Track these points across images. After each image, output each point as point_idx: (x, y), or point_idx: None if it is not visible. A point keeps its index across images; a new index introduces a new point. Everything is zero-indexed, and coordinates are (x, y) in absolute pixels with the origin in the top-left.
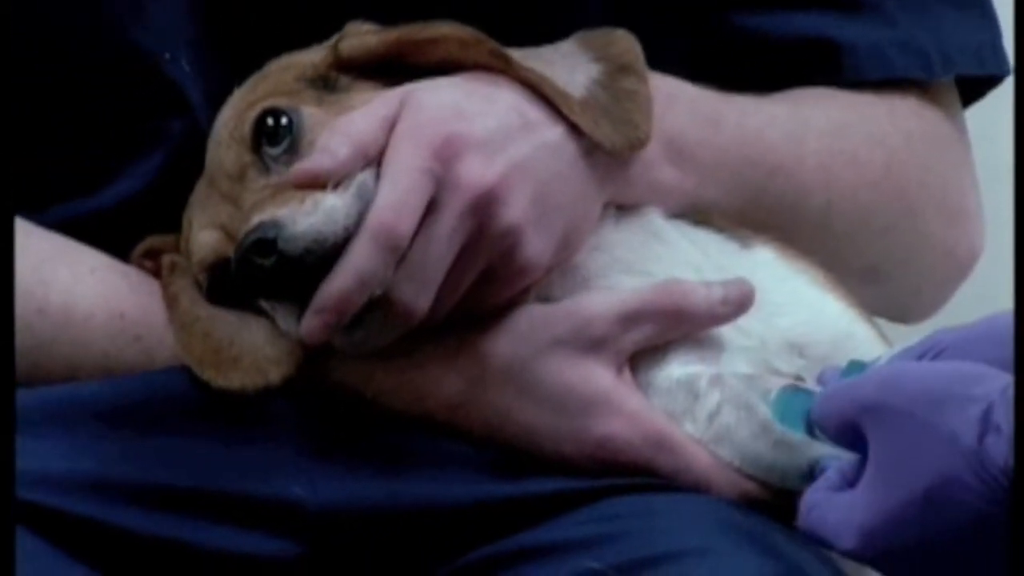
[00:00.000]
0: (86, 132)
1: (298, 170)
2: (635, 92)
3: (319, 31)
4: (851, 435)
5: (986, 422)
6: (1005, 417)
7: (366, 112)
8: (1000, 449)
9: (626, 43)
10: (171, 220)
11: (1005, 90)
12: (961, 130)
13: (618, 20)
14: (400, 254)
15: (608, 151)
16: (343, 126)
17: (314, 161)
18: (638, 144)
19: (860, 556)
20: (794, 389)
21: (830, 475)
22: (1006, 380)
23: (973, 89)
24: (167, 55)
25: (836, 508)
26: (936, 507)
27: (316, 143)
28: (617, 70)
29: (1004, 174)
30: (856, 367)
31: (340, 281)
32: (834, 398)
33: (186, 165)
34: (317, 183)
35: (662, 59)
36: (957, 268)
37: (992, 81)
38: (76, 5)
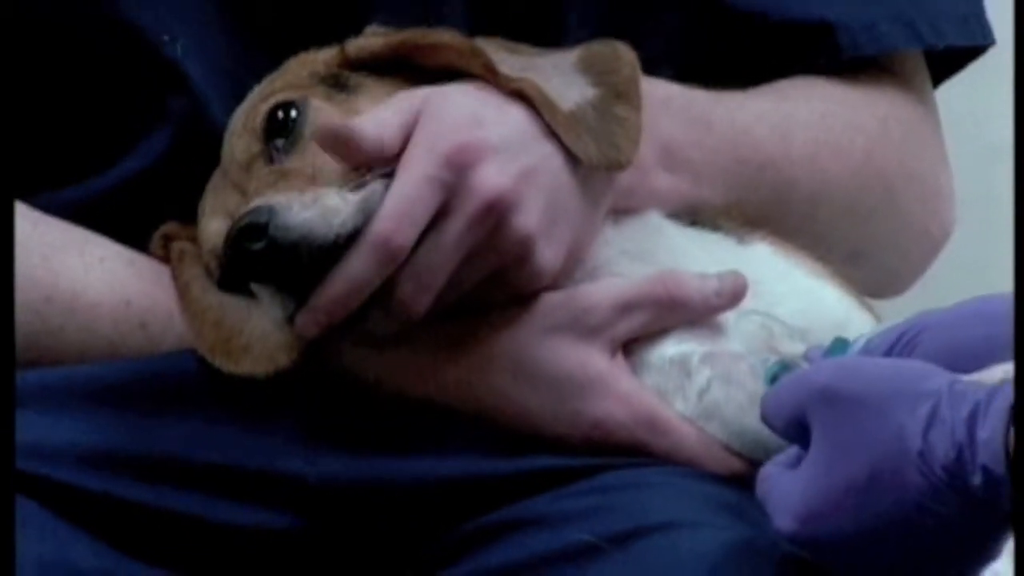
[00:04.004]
0: (91, 112)
1: (324, 127)
2: (625, 119)
3: (321, 11)
4: (799, 429)
5: (932, 417)
6: (949, 410)
7: (386, 113)
8: (943, 441)
9: (628, 70)
10: (179, 198)
11: (1002, 72)
12: (933, 111)
13: (607, 7)
14: (397, 264)
15: (585, 165)
16: (374, 115)
17: (343, 125)
18: (616, 166)
19: (794, 540)
20: (787, 366)
21: (791, 451)
22: (952, 377)
23: (954, 61)
24: (166, 36)
25: (780, 486)
26: (875, 496)
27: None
28: (614, 97)
29: (1004, 156)
30: (840, 344)
31: (334, 287)
32: (783, 391)
33: (191, 144)
34: (338, 146)
35: (652, 45)
36: (932, 246)
37: (974, 52)
38: None
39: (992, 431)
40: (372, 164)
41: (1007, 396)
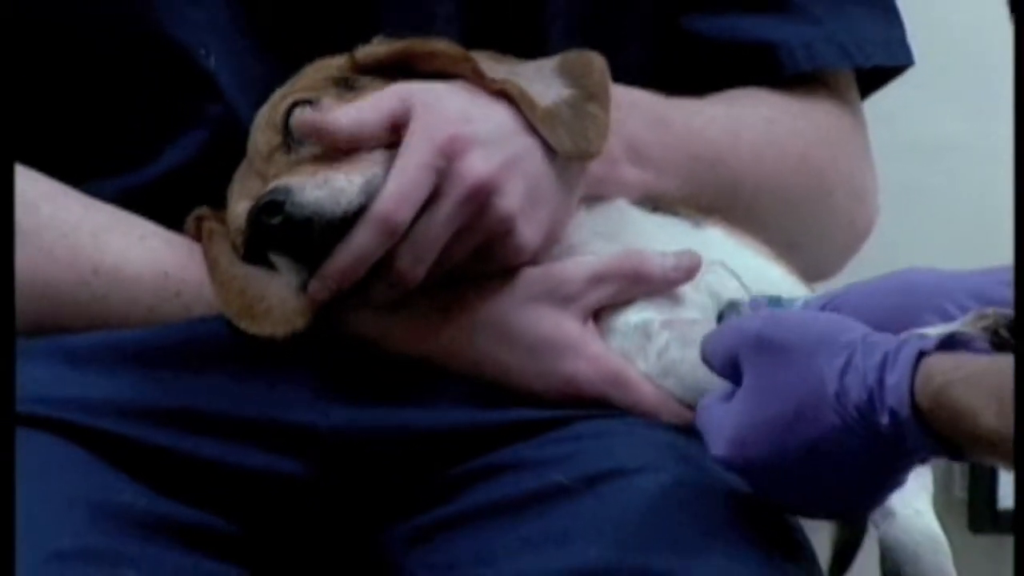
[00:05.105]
0: (135, 113)
1: (302, 118)
2: (596, 117)
3: (337, 28)
4: (733, 369)
5: (848, 364)
6: (862, 358)
7: (371, 104)
8: (856, 385)
9: (599, 76)
10: (211, 190)
11: (922, 77)
12: (861, 120)
13: (584, 25)
14: (396, 239)
15: (560, 154)
16: (349, 107)
17: (316, 117)
18: (587, 156)
19: (725, 463)
20: (735, 306)
21: (726, 386)
22: (868, 330)
23: (880, 78)
24: (202, 50)
25: (716, 416)
26: (797, 430)
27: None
28: (586, 97)
29: (922, 151)
30: (776, 301)
31: (342, 258)
32: (721, 335)
33: (224, 144)
34: (315, 135)
35: (624, 59)
36: (857, 236)
37: (897, 70)
38: (124, 8)
39: (899, 377)
40: (352, 149)
41: (914, 347)
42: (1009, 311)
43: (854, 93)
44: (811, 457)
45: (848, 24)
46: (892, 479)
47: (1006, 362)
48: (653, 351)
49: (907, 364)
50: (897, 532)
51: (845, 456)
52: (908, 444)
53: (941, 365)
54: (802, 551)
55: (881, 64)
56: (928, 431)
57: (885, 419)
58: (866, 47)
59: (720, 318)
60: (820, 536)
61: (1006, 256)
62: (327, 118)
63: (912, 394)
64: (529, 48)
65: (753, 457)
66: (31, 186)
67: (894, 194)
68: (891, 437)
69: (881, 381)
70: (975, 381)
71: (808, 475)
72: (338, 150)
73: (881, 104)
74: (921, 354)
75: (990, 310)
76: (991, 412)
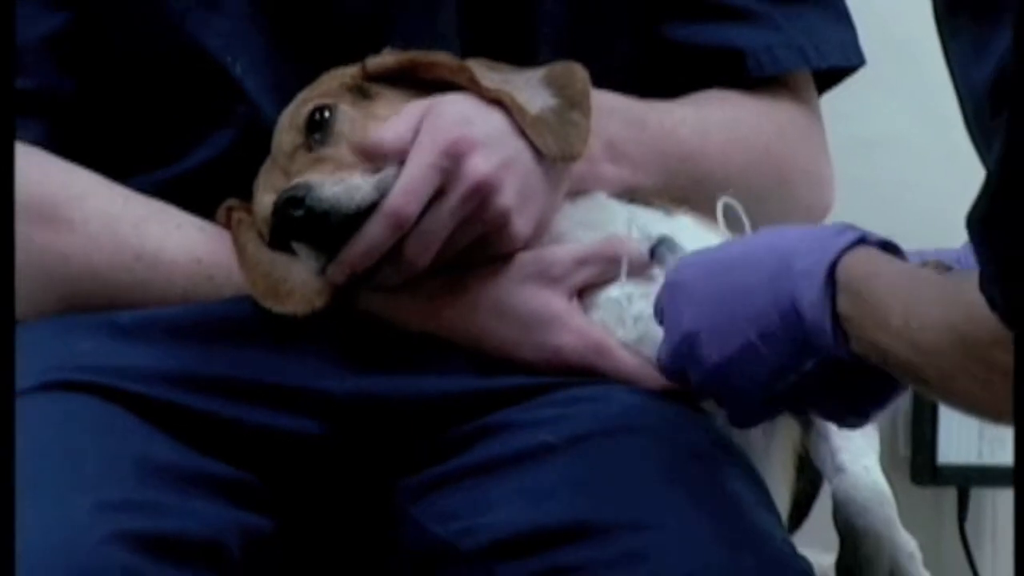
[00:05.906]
0: (171, 115)
1: (359, 142)
2: (578, 124)
3: (351, 37)
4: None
5: (806, 243)
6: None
7: (404, 118)
8: (789, 246)
9: (582, 85)
10: (239, 184)
11: (873, 79)
12: (818, 116)
13: (571, 33)
14: (405, 231)
15: (547, 157)
16: (391, 125)
17: (372, 140)
18: (570, 158)
19: (667, 283)
20: (671, 245)
21: None
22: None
23: (835, 77)
24: (229, 58)
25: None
26: (738, 301)
27: (347, 131)
28: (570, 105)
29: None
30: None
31: (357, 247)
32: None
33: (250, 142)
34: (365, 157)
35: (608, 63)
36: (815, 221)
37: (851, 70)
38: (160, 21)
39: (829, 249)
40: (393, 160)
41: (857, 233)
42: (947, 261)
43: (811, 91)
44: (731, 303)
45: (806, 29)
46: (780, 364)
47: (927, 273)
48: (630, 319)
49: (843, 244)
50: (847, 487)
51: (751, 315)
52: (808, 318)
53: (873, 257)
54: (767, 505)
55: (836, 65)
56: (833, 313)
57: (800, 271)
58: (822, 50)
59: (652, 253)
60: (781, 492)
61: (948, 245)
62: (380, 139)
63: (833, 270)
64: (521, 55)
65: (693, 285)
66: (77, 180)
67: (843, 186)
68: (796, 303)
69: (811, 244)
70: (894, 280)
71: (726, 333)
72: (382, 163)
73: (832, 102)
74: (861, 240)
75: (931, 258)
76: (899, 312)
